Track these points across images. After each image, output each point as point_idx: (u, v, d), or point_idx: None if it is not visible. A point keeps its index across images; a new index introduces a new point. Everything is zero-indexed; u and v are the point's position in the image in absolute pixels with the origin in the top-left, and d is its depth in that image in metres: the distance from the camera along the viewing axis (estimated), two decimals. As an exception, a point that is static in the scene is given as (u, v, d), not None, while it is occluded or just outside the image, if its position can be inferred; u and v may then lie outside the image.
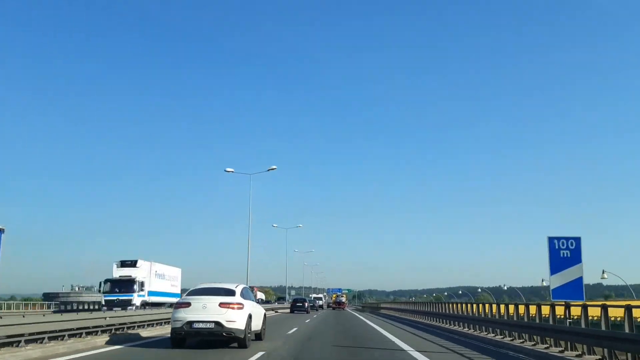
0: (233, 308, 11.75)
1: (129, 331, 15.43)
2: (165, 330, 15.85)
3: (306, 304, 45.60)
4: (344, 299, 75.38)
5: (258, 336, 13.45)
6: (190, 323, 11.51)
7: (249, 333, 12.10)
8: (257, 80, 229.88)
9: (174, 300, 32.18)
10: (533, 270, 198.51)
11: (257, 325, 13.15)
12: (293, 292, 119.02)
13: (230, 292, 12.37)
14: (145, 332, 15.99)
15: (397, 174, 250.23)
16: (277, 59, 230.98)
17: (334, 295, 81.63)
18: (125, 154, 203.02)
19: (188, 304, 11.77)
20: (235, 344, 11.96)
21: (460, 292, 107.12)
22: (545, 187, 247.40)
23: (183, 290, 35.48)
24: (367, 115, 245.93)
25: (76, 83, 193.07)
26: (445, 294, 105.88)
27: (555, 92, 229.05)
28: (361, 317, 35.53)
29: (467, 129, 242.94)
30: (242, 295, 12.61)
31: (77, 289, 75.59)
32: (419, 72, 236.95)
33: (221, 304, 11.68)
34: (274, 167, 34.86)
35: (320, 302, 75.81)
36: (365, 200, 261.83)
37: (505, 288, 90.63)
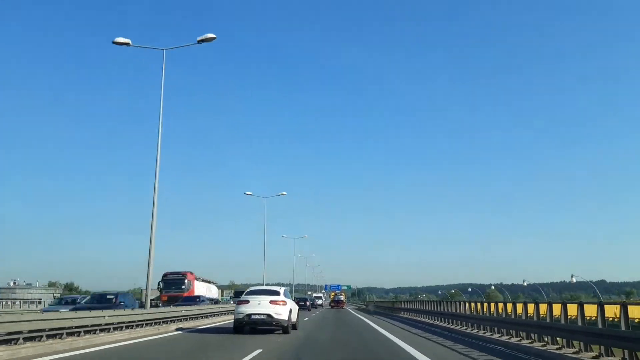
0: (279, 304, 16.33)
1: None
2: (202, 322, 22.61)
3: (307, 303, 52.74)
4: (342, 298, 76.48)
5: (294, 326, 17.61)
6: (249, 315, 16.17)
7: (290, 323, 16.66)
8: (255, 73, 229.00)
9: None
10: (534, 268, 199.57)
11: (294, 317, 17.64)
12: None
13: (277, 293, 17.09)
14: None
15: (397, 170, 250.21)
16: (275, 48, 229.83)
17: (332, 294, 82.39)
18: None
19: (247, 302, 16.48)
20: (280, 330, 16.56)
21: (470, 289, 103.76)
22: (546, 184, 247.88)
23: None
24: (368, 110, 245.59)
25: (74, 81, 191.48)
26: (470, 289, 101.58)
27: (559, 87, 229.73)
28: (375, 326, 23.84)
29: (467, 126, 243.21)
30: (285, 295, 17.32)
31: (11, 283, 73.47)
32: (416, 69, 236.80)
33: (271, 302, 16.30)
34: (210, 35, 19.94)
35: (320, 301, 77.03)
36: (363, 198, 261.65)
37: (526, 284, 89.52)
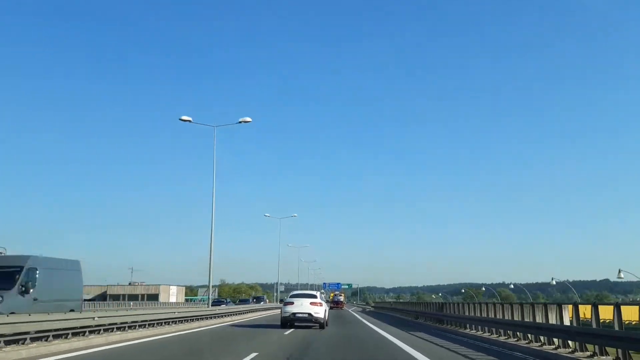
0: (317, 305, 20.84)
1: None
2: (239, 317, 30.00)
3: (282, 304, 54.64)
4: (342, 298, 74.98)
5: (326, 323, 21.72)
6: (294, 314, 20.62)
7: (325, 320, 21.30)
8: (255, 65, 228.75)
9: None
10: (535, 267, 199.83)
11: (326, 316, 22.11)
12: (282, 289, 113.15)
13: (315, 297, 21.94)
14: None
15: (398, 167, 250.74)
16: (273, 41, 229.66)
17: (332, 294, 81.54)
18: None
19: (292, 303, 21.00)
20: (317, 326, 20.82)
21: (483, 288, 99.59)
22: (547, 183, 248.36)
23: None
24: (367, 108, 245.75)
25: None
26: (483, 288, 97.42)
27: (560, 87, 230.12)
28: None
29: (468, 123, 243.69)
30: (320, 298, 22.31)
31: None
32: (415, 69, 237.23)
33: (311, 303, 20.78)
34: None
35: None
36: (362, 194, 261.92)
37: (512, 286, 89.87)
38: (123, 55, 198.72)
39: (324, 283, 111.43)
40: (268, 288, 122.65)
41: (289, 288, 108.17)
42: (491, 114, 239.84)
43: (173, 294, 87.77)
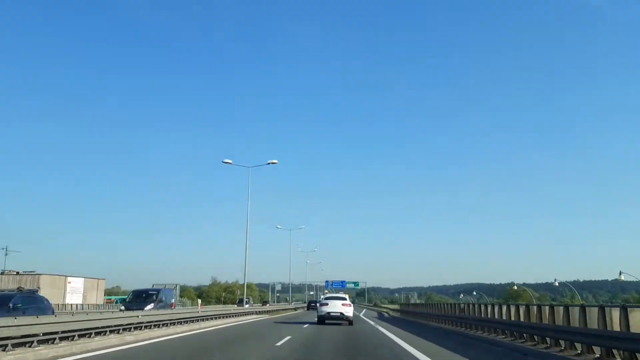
0: (347, 306, 25.90)
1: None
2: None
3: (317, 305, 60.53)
4: (346, 299, 73.06)
5: (353, 321, 26.41)
6: (328, 313, 25.51)
7: (352, 319, 26.00)
8: (257, 64, 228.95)
9: None
10: (541, 267, 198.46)
11: (352, 314, 26.69)
12: (279, 287, 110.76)
13: (345, 299, 27.22)
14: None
15: (401, 166, 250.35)
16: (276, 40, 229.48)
17: (334, 294, 79.40)
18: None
19: (327, 304, 26.01)
20: (347, 323, 25.55)
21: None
22: (549, 183, 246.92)
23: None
24: (371, 103, 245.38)
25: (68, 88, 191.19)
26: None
27: (565, 83, 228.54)
28: None
29: (471, 123, 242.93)
30: (349, 300, 27.69)
31: None
32: (422, 67, 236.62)
33: (342, 304, 25.84)
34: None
35: None
36: (363, 194, 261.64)
37: (557, 283, 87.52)
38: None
39: (327, 281, 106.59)
40: (266, 287, 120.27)
41: (286, 288, 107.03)
42: (495, 111, 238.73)
43: (76, 291, 57.57)
